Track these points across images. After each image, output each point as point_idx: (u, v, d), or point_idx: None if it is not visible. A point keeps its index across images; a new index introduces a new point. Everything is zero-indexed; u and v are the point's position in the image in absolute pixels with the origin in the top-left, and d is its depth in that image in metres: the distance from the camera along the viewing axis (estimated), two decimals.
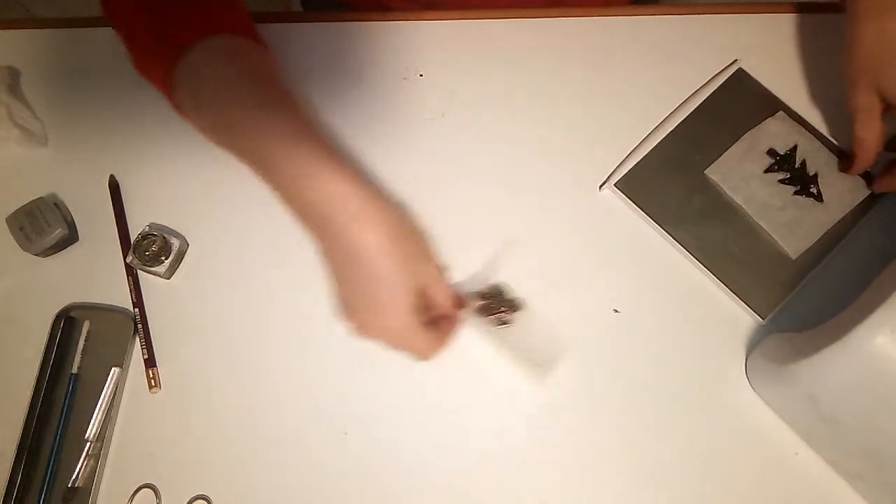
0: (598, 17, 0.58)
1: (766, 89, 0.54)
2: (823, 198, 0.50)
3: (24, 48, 0.58)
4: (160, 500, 0.47)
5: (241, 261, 0.52)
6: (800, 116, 0.53)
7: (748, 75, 0.54)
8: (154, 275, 0.51)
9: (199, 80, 0.42)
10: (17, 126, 0.53)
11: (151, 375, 0.49)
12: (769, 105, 0.53)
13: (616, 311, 0.50)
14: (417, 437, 0.48)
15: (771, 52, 0.55)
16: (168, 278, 0.51)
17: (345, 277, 0.43)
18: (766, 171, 0.51)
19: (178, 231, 0.52)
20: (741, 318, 0.49)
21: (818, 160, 0.51)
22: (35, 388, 0.48)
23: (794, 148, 0.51)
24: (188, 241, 0.52)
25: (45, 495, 0.46)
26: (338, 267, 0.43)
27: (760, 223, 0.50)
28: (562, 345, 0.49)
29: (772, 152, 0.51)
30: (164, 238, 0.50)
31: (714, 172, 0.51)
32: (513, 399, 0.48)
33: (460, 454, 0.47)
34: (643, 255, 0.51)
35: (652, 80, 0.55)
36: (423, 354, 0.45)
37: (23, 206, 0.51)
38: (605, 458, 0.47)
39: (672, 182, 0.52)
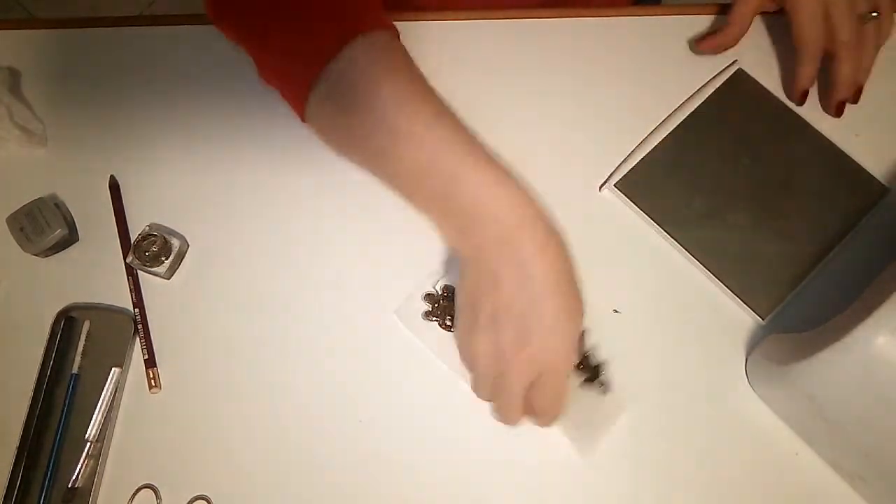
0: (599, 17, 0.58)
1: (765, 90, 0.54)
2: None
3: (24, 48, 0.58)
4: (160, 500, 0.47)
5: (241, 261, 0.52)
6: (794, 114, 0.53)
7: (748, 76, 0.54)
8: (154, 275, 0.51)
9: (347, 84, 0.40)
10: (17, 126, 0.53)
11: (151, 375, 0.49)
12: (769, 105, 0.53)
13: (616, 311, 0.50)
14: (420, 437, 0.48)
15: (771, 52, 0.55)
16: (168, 279, 0.51)
17: (503, 294, 0.39)
18: None
19: (179, 231, 0.52)
20: (741, 319, 0.49)
21: None
22: (35, 389, 0.48)
23: None
24: (188, 241, 0.52)
25: (45, 495, 0.46)
26: (496, 278, 0.39)
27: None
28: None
29: None
30: (165, 238, 0.50)
31: None
32: None
33: (464, 454, 0.47)
34: (643, 255, 0.51)
35: (653, 80, 0.55)
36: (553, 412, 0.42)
37: (23, 207, 0.51)
38: (605, 458, 0.47)
39: (673, 182, 0.52)
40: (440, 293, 0.50)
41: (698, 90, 0.54)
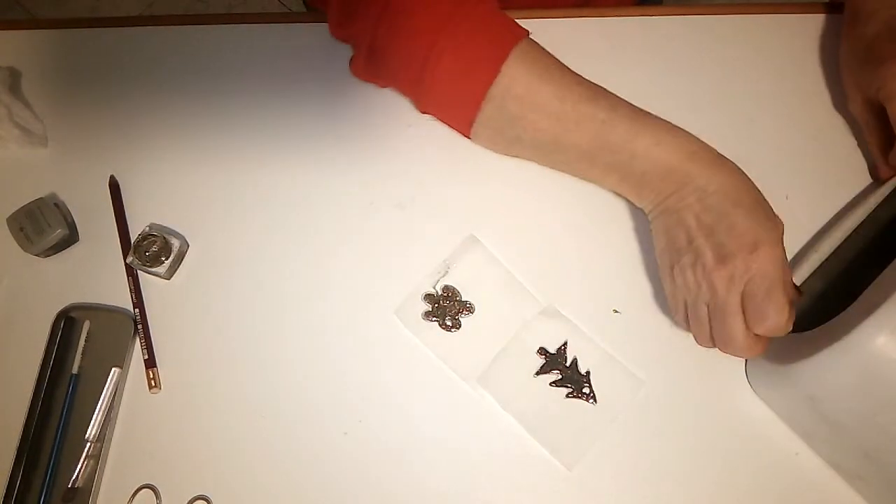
0: (608, 17, 0.57)
1: None
2: None
3: (24, 48, 0.58)
4: (160, 501, 0.47)
5: (241, 261, 0.52)
6: None
7: None
8: (154, 275, 0.51)
9: (513, 99, 0.45)
10: (18, 126, 0.53)
11: (151, 376, 0.49)
12: None
13: (616, 311, 0.50)
14: (418, 437, 0.48)
15: None
16: (168, 279, 0.51)
17: (707, 223, 0.42)
18: None
19: (179, 231, 0.52)
20: None
21: None
22: (35, 389, 0.48)
23: None
24: (188, 241, 0.52)
25: (45, 495, 0.46)
26: (681, 216, 0.43)
27: None
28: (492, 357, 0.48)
29: None
30: (165, 238, 0.50)
31: None
32: None
33: (461, 454, 0.47)
34: (643, 254, 0.51)
35: (658, 80, 0.55)
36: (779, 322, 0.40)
37: (23, 207, 0.51)
38: (605, 458, 0.47)
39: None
40: (440, 293, 0.50)
41: (863, 198, 0.48)
